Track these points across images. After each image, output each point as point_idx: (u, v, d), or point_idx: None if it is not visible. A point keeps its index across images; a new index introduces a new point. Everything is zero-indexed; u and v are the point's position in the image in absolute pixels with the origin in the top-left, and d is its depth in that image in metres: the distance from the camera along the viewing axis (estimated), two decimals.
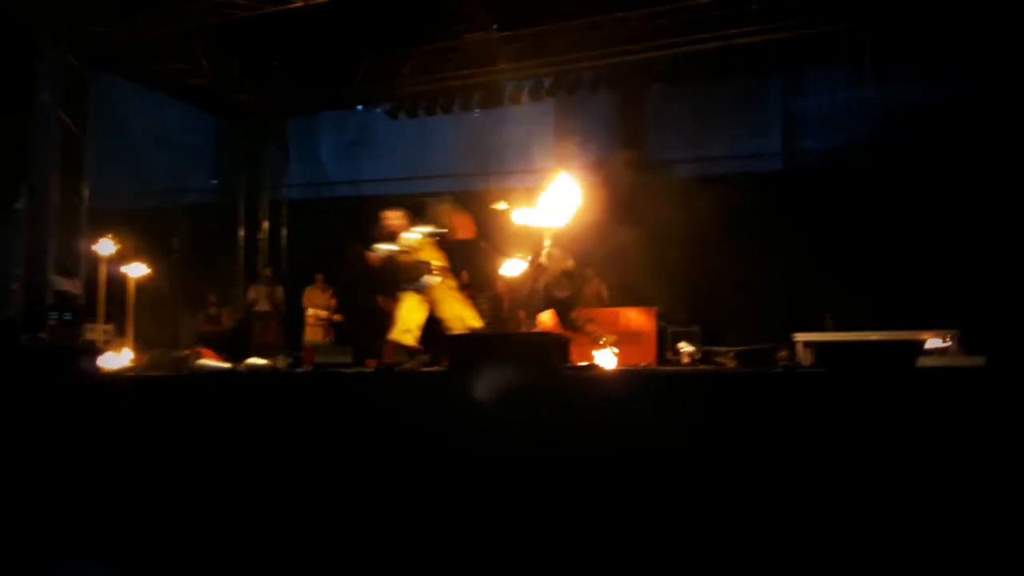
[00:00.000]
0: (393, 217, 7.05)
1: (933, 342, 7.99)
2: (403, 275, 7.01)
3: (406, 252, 6.96)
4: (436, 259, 7.06)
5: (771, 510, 3.15)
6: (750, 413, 3.39)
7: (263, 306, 11.27)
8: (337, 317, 11.11)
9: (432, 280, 6.94)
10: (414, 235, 6.95)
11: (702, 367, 8.88)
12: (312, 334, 11.00)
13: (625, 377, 5.13)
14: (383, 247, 6.94)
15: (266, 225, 13.70)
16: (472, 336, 6.12)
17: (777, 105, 11.72)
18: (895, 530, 3.00)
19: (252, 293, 11.54)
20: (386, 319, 10.93)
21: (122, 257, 8.72)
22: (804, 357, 8.77)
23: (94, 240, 9.52)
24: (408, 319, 6.94)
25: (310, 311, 11.08)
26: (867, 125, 10.79)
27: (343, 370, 8.39)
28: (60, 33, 10.42)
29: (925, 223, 9.95)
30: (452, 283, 7.14)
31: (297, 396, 4.27)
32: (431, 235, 6.98)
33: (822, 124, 11.36)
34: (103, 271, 8.61)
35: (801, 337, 8.86)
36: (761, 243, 10.41)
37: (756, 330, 9.92)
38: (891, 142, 10.52)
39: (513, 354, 4.92)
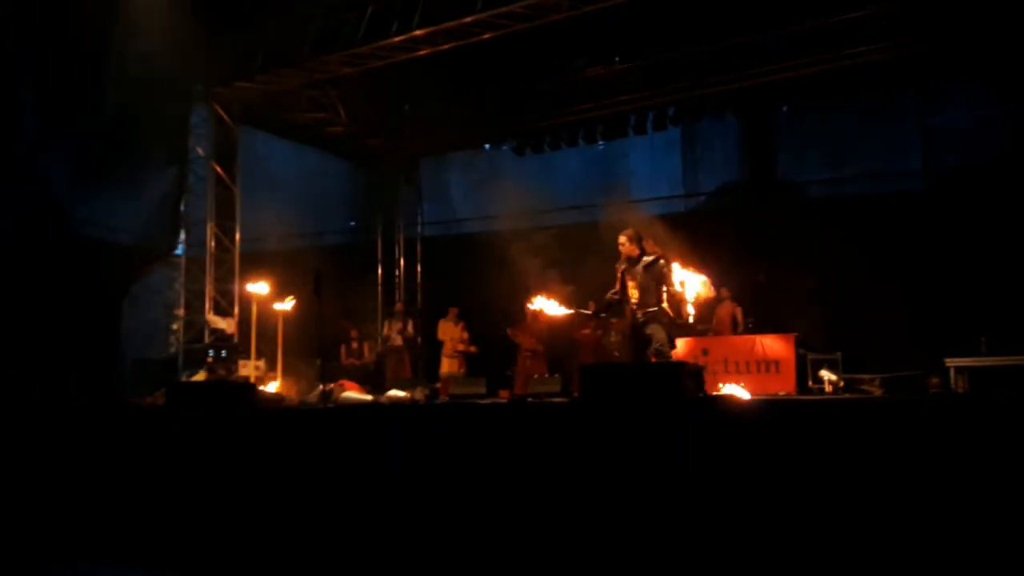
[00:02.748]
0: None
1: None
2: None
3: None
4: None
5: (929, 544, 3.01)
6: (900, 444, 3.25)
7: (396, 340, 11.67)
8: (472, 349, 11.34)
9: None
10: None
11: (846, 395, 8.54)
12: (448, 366, 11.27)
13: (764, 407, 5.02)
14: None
15: (402, 262, 14.24)
16: (605, 366, 6.12)
17: (914, 121, 11.20)
18: None
19: (386, 328, 11.99)
20: (515, 351, 11.17)
21: (271, 297, 9.25)
22: (957, 384, 8.29)
23: (246, 281, 10.17)
24: None
25: (447, 341, 11.35)
26: (1010, 138, 10.14)
27: (478, 401, 8.60)
28: (210, 91, 11.28)
29: None
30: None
31: (435, 426, 4.42)
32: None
33: (964, 139, 10.75)
34: (255, 310, 9.15)
35: (953, 362, 8.38)
36: (904, 264, 9.92)
37: (903, 356, 9.41)
38: None
39: (645, 384, 4.91)
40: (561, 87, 12.00)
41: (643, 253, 6.68)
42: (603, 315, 7.34)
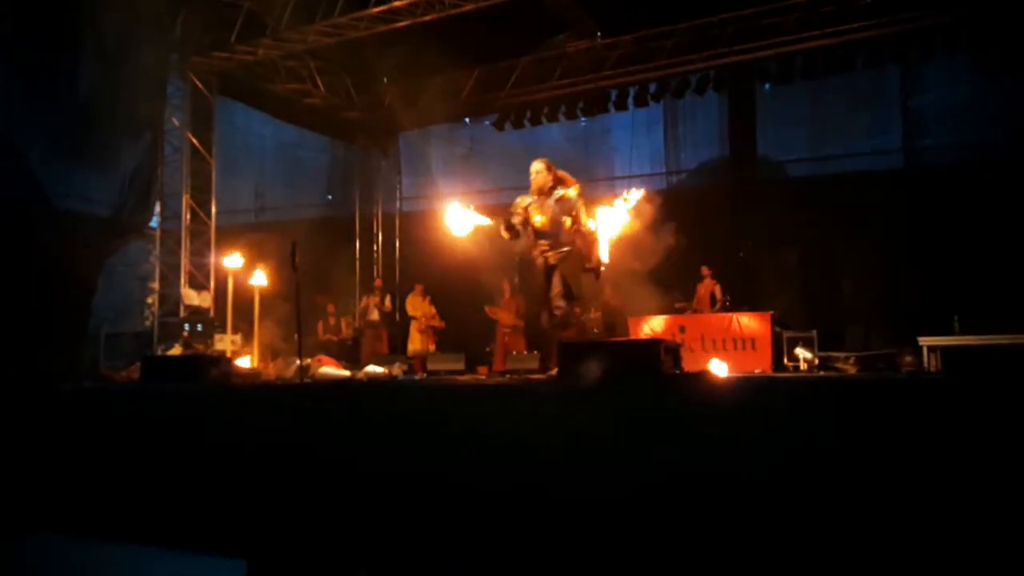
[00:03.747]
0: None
1: None
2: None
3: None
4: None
5: (897, 528, 3.04)
6: (874, 422, 3.27)
7: (373, 315, 11.61)
8: (441, 324, 11.30)
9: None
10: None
11: (821, 373, 8.61)
12: (420, 341, 11.22)
13: (739, 384, 5.04)
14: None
15: (380, 237, 14.15)
16: (584, 343, 6.07)
17: (895, 101, 11.23)
18: None
19: (363, 303, 11.94)
20: (492, 327, 11.16)
21: (247, 270, 9.15)
22: (930, 362, 8.38)
23: (221, 255, 10.05)
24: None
25: (420, 317, 11.31)
26: (991, 119, 10.21)
27: (456, 377, 8.60)
28: (187, 61, 11.08)
29: None
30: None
31: (415, 403, 4.40)
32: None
33: (944, 119, 10.80)
34: (231, 284, 9.05)
35: (927, 341, 8.47)
36: (881, 243, 10.01)
37: (878, 334, 9.53)
38: (1018, 136, 9.93)
39: (624, 361, 4.92)
40: (543, 62, 11.93)
41: (557, 184, 5.94)
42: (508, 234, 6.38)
